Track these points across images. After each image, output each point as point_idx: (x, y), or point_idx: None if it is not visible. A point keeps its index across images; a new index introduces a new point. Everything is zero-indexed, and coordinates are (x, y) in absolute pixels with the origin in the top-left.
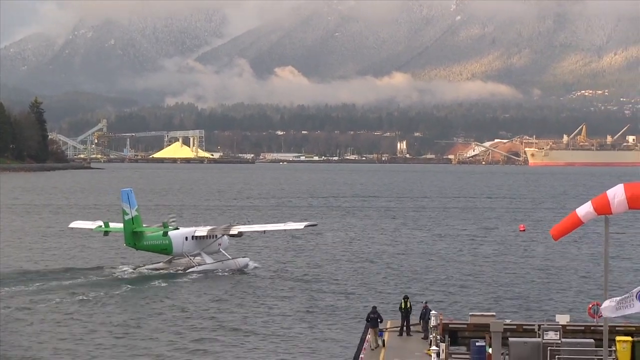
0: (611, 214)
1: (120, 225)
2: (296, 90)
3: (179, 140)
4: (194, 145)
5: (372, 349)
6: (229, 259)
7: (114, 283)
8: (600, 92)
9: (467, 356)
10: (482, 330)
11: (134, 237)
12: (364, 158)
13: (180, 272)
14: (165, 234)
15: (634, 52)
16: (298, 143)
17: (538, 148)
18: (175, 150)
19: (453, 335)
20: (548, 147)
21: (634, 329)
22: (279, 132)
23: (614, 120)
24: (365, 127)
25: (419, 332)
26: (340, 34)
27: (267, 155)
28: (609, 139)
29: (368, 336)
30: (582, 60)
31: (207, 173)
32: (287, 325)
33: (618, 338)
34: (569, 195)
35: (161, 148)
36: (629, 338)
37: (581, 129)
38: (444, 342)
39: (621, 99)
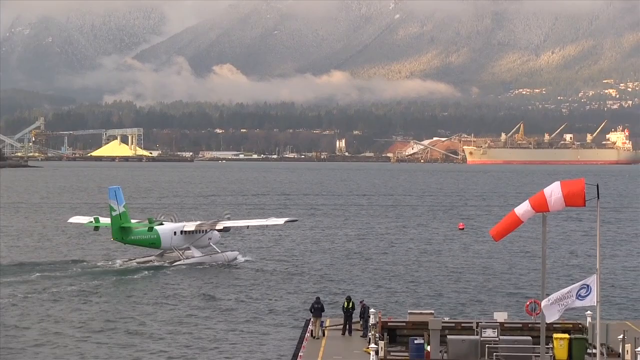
0: (549, 211)
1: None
2: (235, 88)
3: (117, 139)
4: (132, 144)
5: (316, 338)
6: (218, 252)
7: (102, 275)
8: (537, 90)
9: (406, 354)
10: (420, 328)
11: (121, 232)
12: (303, 156)
13: (166, 264)
14: (151, 228)
15: (571, 51)
16: (237, 141)
17: (476, 146)
18: (113, 149)
19: (392, 333)
20: (486, 145)
21: (571, 326)
22: (218, 130)
23: (551, 118)
24: (304, 126)
25: (358, 330)
26: (279, 32)
27: (206, 154)
28: (546, 137)
29: (310, 326)
30: (520, 59)
31: (146, 171)
32: (221, 323)
33: (555, 335)
34: (507, 193)
35: (99, 146)
36: (566, 335)
37: (519, 127)
38: (382, 340)
39: (558, 98)
